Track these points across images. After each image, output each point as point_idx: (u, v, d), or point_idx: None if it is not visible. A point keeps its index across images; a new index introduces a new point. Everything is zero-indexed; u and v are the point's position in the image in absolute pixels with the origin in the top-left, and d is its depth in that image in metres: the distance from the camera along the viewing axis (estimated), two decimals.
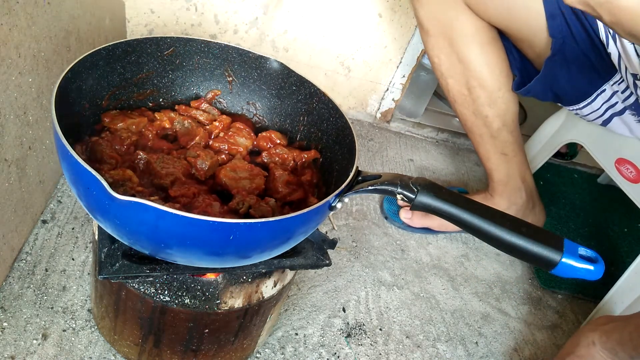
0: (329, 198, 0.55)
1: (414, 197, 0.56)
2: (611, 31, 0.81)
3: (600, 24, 0.82)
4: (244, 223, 0.48)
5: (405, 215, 1.11)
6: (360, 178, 0.60)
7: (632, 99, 0.88)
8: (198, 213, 0.47)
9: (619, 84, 0.87)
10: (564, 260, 0.52)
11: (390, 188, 0.57)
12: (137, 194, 0.58)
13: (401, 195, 0.57)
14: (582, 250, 0.54)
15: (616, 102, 0.91)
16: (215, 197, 0.63)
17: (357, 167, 0.60)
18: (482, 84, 0.97)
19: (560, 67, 0.88)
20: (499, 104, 0.99)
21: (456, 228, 1.12)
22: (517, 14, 0.89)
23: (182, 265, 0.59)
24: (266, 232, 0.52)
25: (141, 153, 0.63)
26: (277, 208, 0.63)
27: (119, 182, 0.58)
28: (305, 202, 0.67)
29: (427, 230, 1.13)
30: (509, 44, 0.97)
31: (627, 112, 0.92)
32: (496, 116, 1.00)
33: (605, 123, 0.97)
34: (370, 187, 0.58)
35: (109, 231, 0.55)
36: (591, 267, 0.52)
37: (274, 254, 0.58)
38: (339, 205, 0.58)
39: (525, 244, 0.54)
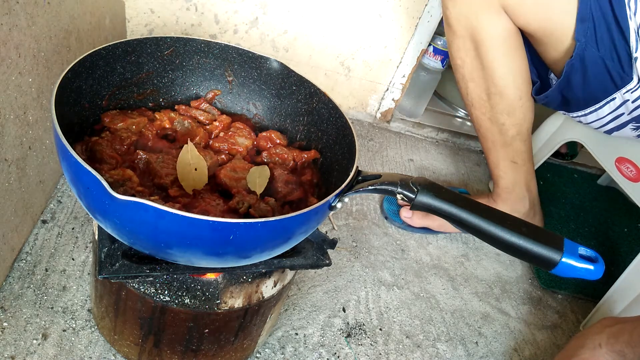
0: (329, 198, 0.55)
1: (414, 197, 0.56)
2: None
3: (631, 27, 0.82)
4: (244, 223, 0.48)
5: (405, 214, 1.11)
6: (360, 178, 0.60)
7: None
8: (198, 212, 0.47)
9: (632, 92, 0.86)
10: (564, 260, 0.52)
11: (390, 188, 0.57)
12: (137, 193, 0.58)
13: (401, 195, 0.56)
14: (582, 250, 0.54)
15: (622, 114, 0.90)
16: (218, 196, 0.63)
17: (357, 167, 0.60)
18: (503, 92, 0.96)
19: (576, 71, 0.88)
20: (517, 114, 0.98)
21: (455, 230, 1.12)
22: (553, 16, 0.88)
23: (182, 265, 0.59)
24: (266, 232, 0.51)
25: (141, 153, 0.63)
26: (277, 208, 0.63)
27: (119, 182, 0.58)
28: (305, 202, 0.67)
29: (427, 230, 1.13)
30: (531, 49, 0.96)
31: (629, 125, 0.91)
32: (512, 125, 0.99)
33: (606, 133, 0.97)
34: (370, 187, 0.58)
35: (109, 231, 0.55)
36: (591, 267, 0.52)
37: (274, 253, 0.58)
38: (339, 205, 0.58)
39: (525, 243, 0.53)
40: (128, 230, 0.52)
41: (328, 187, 0.70)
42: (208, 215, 0.47)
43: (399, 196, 0.57)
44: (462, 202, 0.56)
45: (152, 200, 0.47)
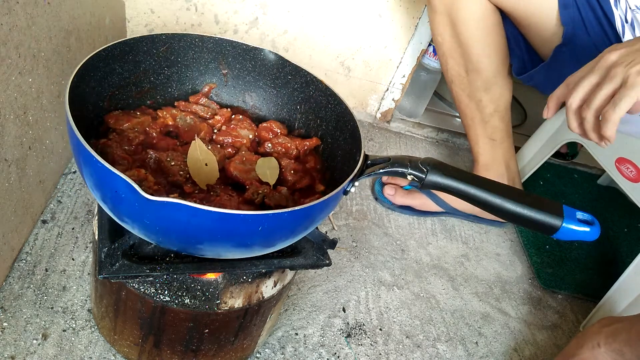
0: (344, 184, 0.57)
1: (424, 176, 0.59)
2: (629, 20, 0.81)
3: (615, 12, 0.82)
4: (272, 214, 0.50)
5: (388, 192, 1.14)
6: (369, 162, 0.62)
7: None
8: (214, 206, 0.48)
9: None
10: (564, 225, 0.56)
11: (400, 169, 0.59)
12: (155, 192, 0.58)
13: (412, 176, 0.59)
14: (580, 215, 0.58)
15: None
16: (231, 189, 0.64)
17: (364, 151, 0.62)
18: (480, 69, 0.98)
19: (570, 58, 0.89)
20: (493, 90, 1.01)
21: (437, 208, 1.16)
22: (530, 0, 0.89)
23: (182, 265, 0.59)
24: (292, 221, 0.54)
25: (151, 152, 0.63)
26: (289, 196, 0.65)
27: (136, 183, 0.58)
28: (312, 189, 0.69)
29: (409, 209, 1.16)
30: (515, 30, 0.97)
31: None
32: (490, 101, 1.02)
33: None
34: (381, 170, 0.60)
35: (135, 232, 0.55)
36: (587, 229, 0.57)
37: (295, 240, 0.60)
38: (352, 189, 0.60)
39: (529, 212, 0.57)
40: (158, 230, 0.52)
41: (333, 172, 0.71)
42: (225, 208, 0.49)
43: (409, 177, 0.59)
44: (469, 178, 0.58)
45: (173, 197, 0.47)
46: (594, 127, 0.60)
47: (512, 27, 0.97)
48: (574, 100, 0.61)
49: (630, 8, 0.81)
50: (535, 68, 0.94)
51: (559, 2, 0.86)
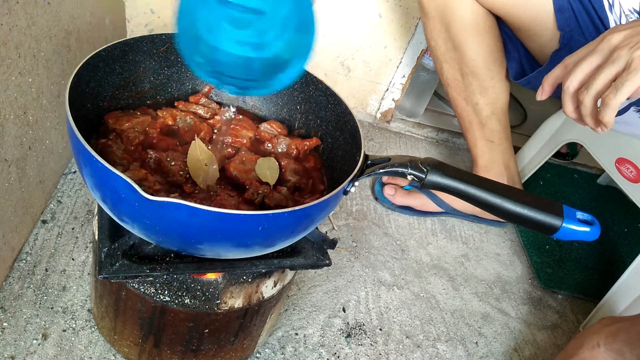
0: (344, 184, 0.57)
1: (424, 177, 0.58)
2: (623, 22, 0.81)
3: (610, 16, 0.82)
4: (272, 214, 0.50)
5: (388, 192, 1.15)
6: (369, 162, 0.62)
7: None
8: (214, 206, 0.48)
9: None
10: (564, 225, 0.56)
11: (400, 169, 0.59)
12: (155, 192, 0.58)
13: (412, 176, 0.59)
14: (580, 215, 0.58)
15: None
16: (231, 189, 0.64)
17: (364, 151, 0.62)
18: (475, 72, 0.98)
19: None
20: (489, 93, 1.01)
21: (437, 209, 1.16)
22: (523, 5, 0.89)
23: (182, 265, 0.59)
24: (292, 221, 0.54)
25: (151, 152, 0.63)
26: (289, 196, 0.65)
27: (136, 183, 0.58)
28: (313, 189, 0.69)
29: (409, 209, 1.16)
30: (512, 33, 0.97)
31: (632, 109, 0.91)
32: (486, 104, 1.02)
33: None
34: (381, 170, 0.60)
35: (135, 232, 0.55)
36: (588, 229, 0.57)
37: (295, 240, 0.60)
38: (352, 189, 0.60)
39: (529, 212, 0.57)
40: (158, 230, 0.52)
41: (333, 172, 0.71)
42: (224, 208, 0.49)
43: (409, 177, 0.59)
44: (469, 178, 0.58)
45: (174, 197, 0.47)
46: (592, 112, 0.56)
47: (509, 31, 0.97)
48: (572, 83, 0.57)
49: (624, 13, 0.81)
50: (533, 72, 0.94)
51: (554, 6, 0.86)
